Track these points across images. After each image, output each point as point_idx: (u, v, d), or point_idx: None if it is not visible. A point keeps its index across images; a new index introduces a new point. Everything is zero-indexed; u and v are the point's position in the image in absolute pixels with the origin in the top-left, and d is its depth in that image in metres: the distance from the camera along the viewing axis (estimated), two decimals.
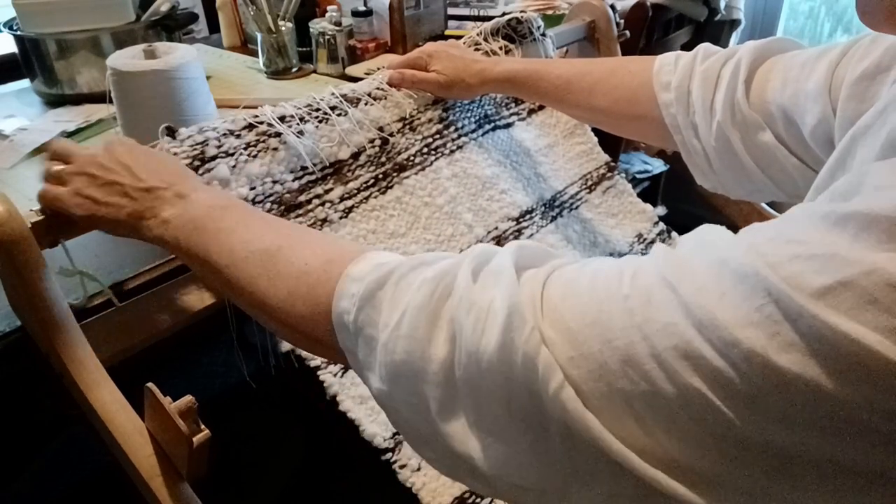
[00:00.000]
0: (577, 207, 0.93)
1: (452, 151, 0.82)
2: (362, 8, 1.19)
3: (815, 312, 0.24)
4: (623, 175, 1.00)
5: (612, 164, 1.00)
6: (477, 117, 0.88)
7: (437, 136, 0.82)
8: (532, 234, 0.84)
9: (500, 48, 0.91)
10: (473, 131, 0.86)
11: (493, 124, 0.89)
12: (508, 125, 0.92)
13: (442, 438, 0.35)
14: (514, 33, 0.93)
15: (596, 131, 0.99)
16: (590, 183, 0.97)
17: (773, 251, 0.27)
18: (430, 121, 0.82)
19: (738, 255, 0.28)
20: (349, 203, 0.72)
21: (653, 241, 0.95)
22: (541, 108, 0.97)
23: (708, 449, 0.28)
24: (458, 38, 0.91)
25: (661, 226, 0.98)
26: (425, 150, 0.80)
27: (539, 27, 0.94)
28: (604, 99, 0.69)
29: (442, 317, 0.35)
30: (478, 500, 0.66)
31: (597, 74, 0.70)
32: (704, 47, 0.62)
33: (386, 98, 0.78)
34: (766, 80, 0.56)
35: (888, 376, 0.23)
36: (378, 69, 1.07)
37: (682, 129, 0.62)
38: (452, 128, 0.84)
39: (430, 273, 0.37)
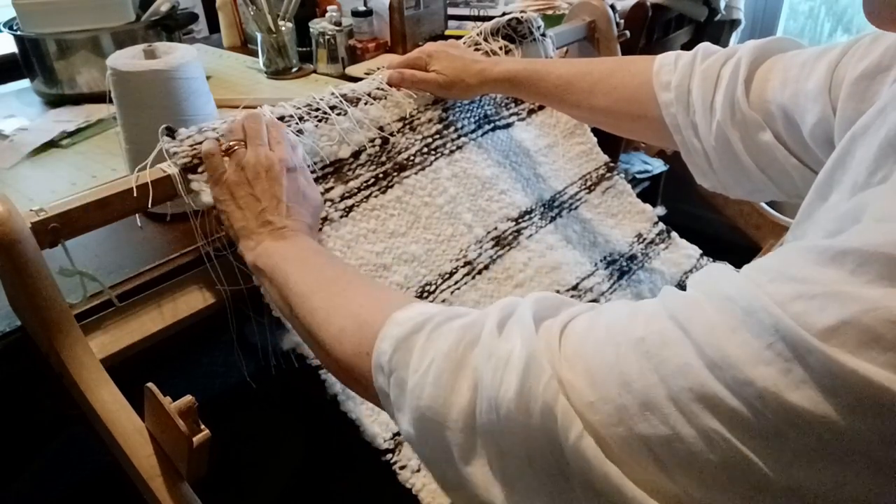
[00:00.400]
0: (576, 208, 0.93)
1: (452, 151, 0.82)
2: (362, 8, 1.19)
3: (824, 350, 0.24)
4: (622, 175, 1.00)
5: (612, 164, 1.00)
6: (477, 117, 0.88)
7: (437, 136, 0.82)
8: (531, 235, 0.84)
9: (500, 48, 0.91)
10: (473, 131, 0.86)
11: (492, 124, 0.89)
12: (508, 125, 0.92)
13: (467, 485, 0.36)
14: (514, 33, 0.93)
15: (596, 131, 0.99)
16: (589, 183, 0.97)
17: (777, 290, 0.27)
18: (429, 121, 0.82)
19: (746, 293, 0.28)
20: (349, 202, 0.72)
21: (652, 241, 0.95)
22: (540, 108, 0.97)
23: (732, 492, 0.28)
24: (458, 38, 0.91)
25: (661, 226, 0.98)
26: (425, 149, 0.80)
27: (539, 27, 0.94)
28: (604, 99, 0.69)
29: (467, 365, 0.36)
30: None
31: (597, 75, 0.70)
32: (704, 47, 0.62)
33: (386, 98, 0.78)
34: (766, 79, 0.56)
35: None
36: (378, 69, 1.07)
37: (682, 129, 0.62)
38: (452, 128, 0.84)
39: (459, 323, 0.38)
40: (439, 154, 0.81)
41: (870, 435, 0.24)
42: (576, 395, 0.31)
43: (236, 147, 0.61)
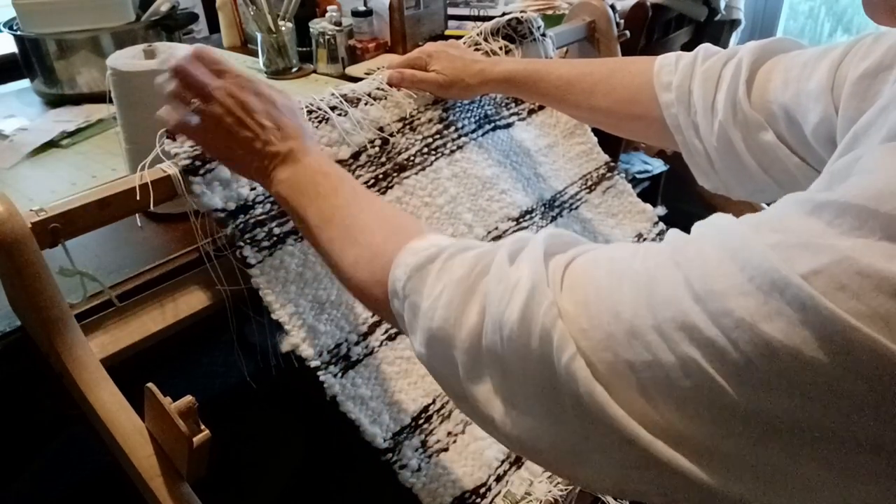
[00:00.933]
0: (576, 207, 0.93)
1: (452, 151, 0.82)
2: (362, 8, 1.19)
3: (799, 284, 0.26)
4: (623, 175, 1.00)
5: (612, 164, 1.00)
6: (477, 117, 0.87)
7: (438, 136, 0.82)
8: None
9: (500, 48, 0.91)
10: (473, 131, 0.86)
11: (493, 124, 0.89)
12: (508, 125, 0.92)
13: (470, 399, 0.39)
14: (515, 33, 0.93)
15: (596, 131, 0.99)
16: (590, 183, 0.97)
17: (765, 238, 0.29)
18: (430, 121, 0.81)
19: (739, 236, 0.30)
20: None
21: (653, 242, 0.95)
22: (541, 108, 0.97)
23: (703, 418, 0.29)
24: (459, 38, 0.91)
25: (661, 226, 0.98)
26: (425, 150, 0.80)
27: (539, 27, 0.94)
28: (604, 100, 0.69)
29: (477, 291, 0.39)
30: (477, 500, 0.66)
31: (597, 75, 0.70)
32: (705, 47, 0.62)
33: (386, 98, 0.78)
34: (768, 79, 0.56)
35: (864, 348, 0.25)
36: (378, 69, 1.07)
37: (684, 129, 0.62)
38: (452, 128, 0.84)
39: (473, 253, 0.41)
40: (439, 154, 0.81)
41: (839, 368, 0.25)
42: (571, 322, 0.33)
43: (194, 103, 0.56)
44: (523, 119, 0.94)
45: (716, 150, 0.60)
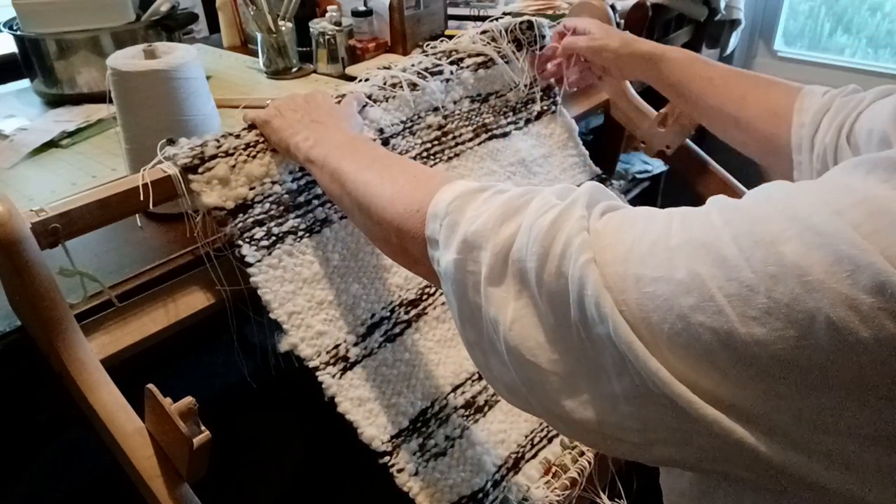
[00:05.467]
0: None
1: (450, 158, 0.82)
2: (362, 8, 1.19)
3: (827, 218, 0.27)
4: (614, 185, 0.99)
5: (603, 175, 1.01)
6: (474, 126, 0.87)
7: (436, 142, 0.82)
8: None
9: (502, 57, 0.90)
10: (471, 139, 0.86)
11: (489, 133, 0.89)
12: (505, 134, 0.91)
13: (482, 306, 0.40)
14: (523, 38, 0.92)
15: (589, 143, 0.99)
16: None
17: (801, 188, 0.31)
18: (429, 127, 0.81)
19: (772, 186, 0.32)
20: None
21: None
22: (538, 118, 0.96)
23: (698, 345, 0.30)
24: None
25: None
26: (424, 153, 0.80)
27: (544, 37, 0.93)
28: (747, 110, 0.69)
29: (520, 215, 0.40)
30: None
31: (745, 85, 0.71)
32: (853, 88, 0.63)
33: (386, 101, 0.78)
34: (873, 109, 0.57)
35: (867, 272, 0.26)
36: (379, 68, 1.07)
37: (804, 150, 0.63)
38: (451, 135, 0.84)
39: (521, 189, 0.43)
40: (437, 160, 0.81)
41: (838, 295, 0.26)
42: (597, 238, 0.35)
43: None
44: (520, 129, 0.93)
45: (818, 172, 0.61)
